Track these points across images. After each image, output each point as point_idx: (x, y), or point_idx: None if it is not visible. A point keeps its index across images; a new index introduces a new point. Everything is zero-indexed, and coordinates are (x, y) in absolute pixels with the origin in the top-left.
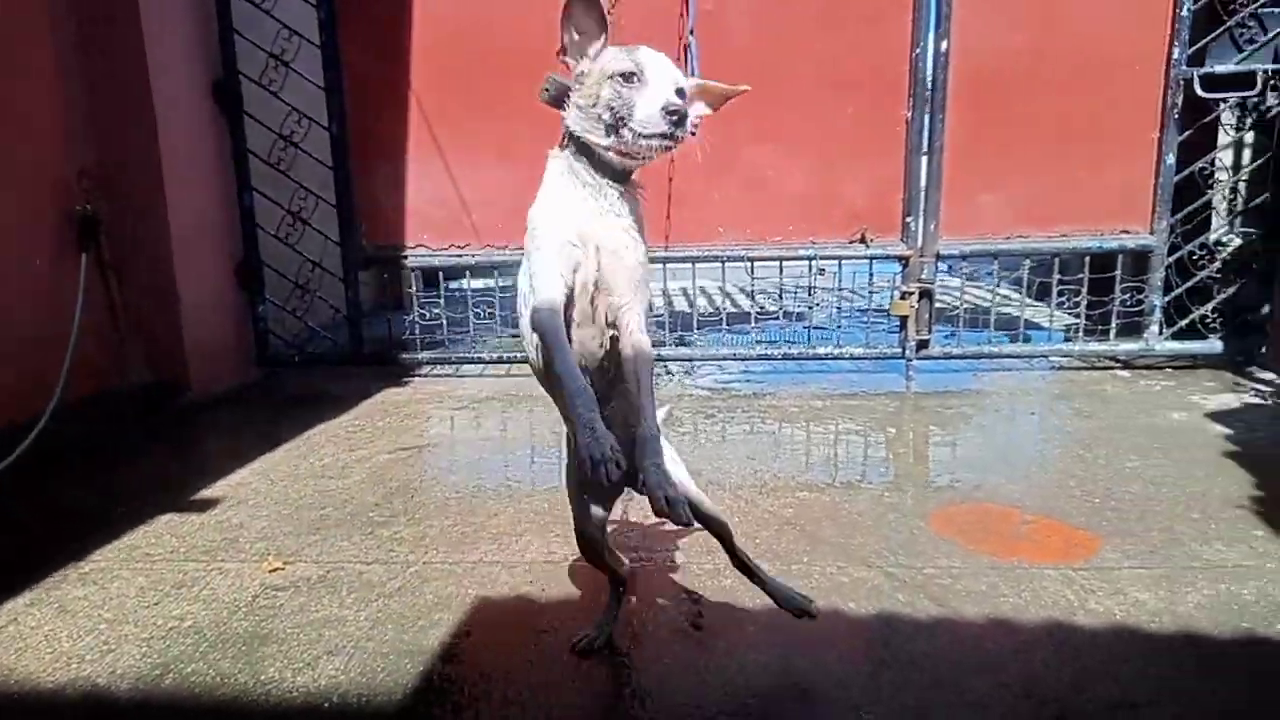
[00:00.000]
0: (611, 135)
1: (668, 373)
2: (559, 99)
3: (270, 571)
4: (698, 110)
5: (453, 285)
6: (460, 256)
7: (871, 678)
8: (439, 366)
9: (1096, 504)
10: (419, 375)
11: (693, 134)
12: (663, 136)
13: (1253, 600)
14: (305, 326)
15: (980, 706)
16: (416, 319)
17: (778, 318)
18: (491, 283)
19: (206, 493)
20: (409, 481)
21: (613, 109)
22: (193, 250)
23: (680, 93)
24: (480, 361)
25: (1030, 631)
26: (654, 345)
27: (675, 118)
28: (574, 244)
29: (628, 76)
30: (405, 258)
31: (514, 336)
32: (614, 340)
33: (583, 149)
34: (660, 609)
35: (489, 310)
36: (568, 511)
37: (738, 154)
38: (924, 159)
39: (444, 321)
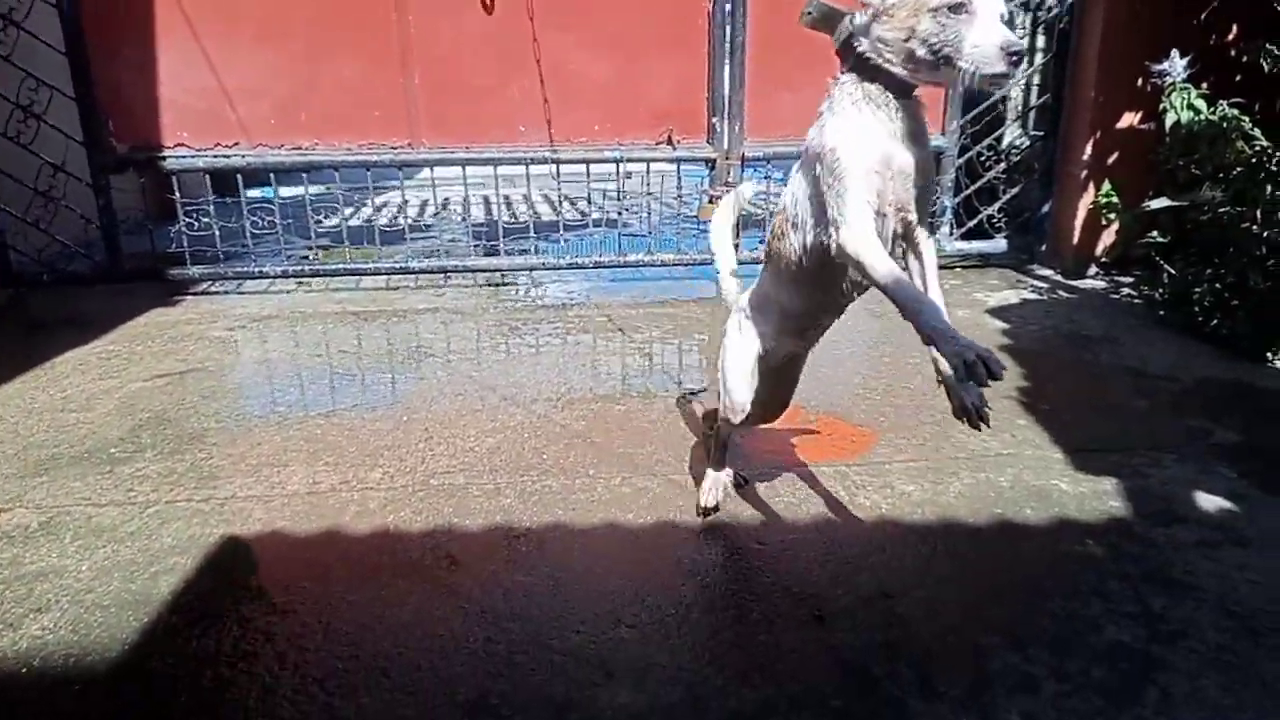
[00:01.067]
0: (931, 70)
1: (477, 285)
2: (823, 22)
3: None
4: None
5: (254, 194)
6: (229, 158)
7: (636, 587)
8: (217, 283)
9: (877, 401)
10: (193, 293)
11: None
12: (1002, 77)
13: (1008, 487)
14: (53, 240)
15: (739, 608)
16: (184, 229)
17: (587, 226)
18: (277, 190)
19: None
20: (164, 411)
21: (931, 44)
22: None
23: (1004, 18)
24: (264, 276)
25: (800, 530)
26: (453, 255)
27: (1015, 58)
28: (877, 171)
29: (955, 8)
30: (163, 159)
31: (308, 248)
32: (903, 251)
33: (872, 74)
34: (427, 536)
35: (269, 220)
36: (341, 437)
37: (538, 46)
38: (727, 55)
39: (216, 232)
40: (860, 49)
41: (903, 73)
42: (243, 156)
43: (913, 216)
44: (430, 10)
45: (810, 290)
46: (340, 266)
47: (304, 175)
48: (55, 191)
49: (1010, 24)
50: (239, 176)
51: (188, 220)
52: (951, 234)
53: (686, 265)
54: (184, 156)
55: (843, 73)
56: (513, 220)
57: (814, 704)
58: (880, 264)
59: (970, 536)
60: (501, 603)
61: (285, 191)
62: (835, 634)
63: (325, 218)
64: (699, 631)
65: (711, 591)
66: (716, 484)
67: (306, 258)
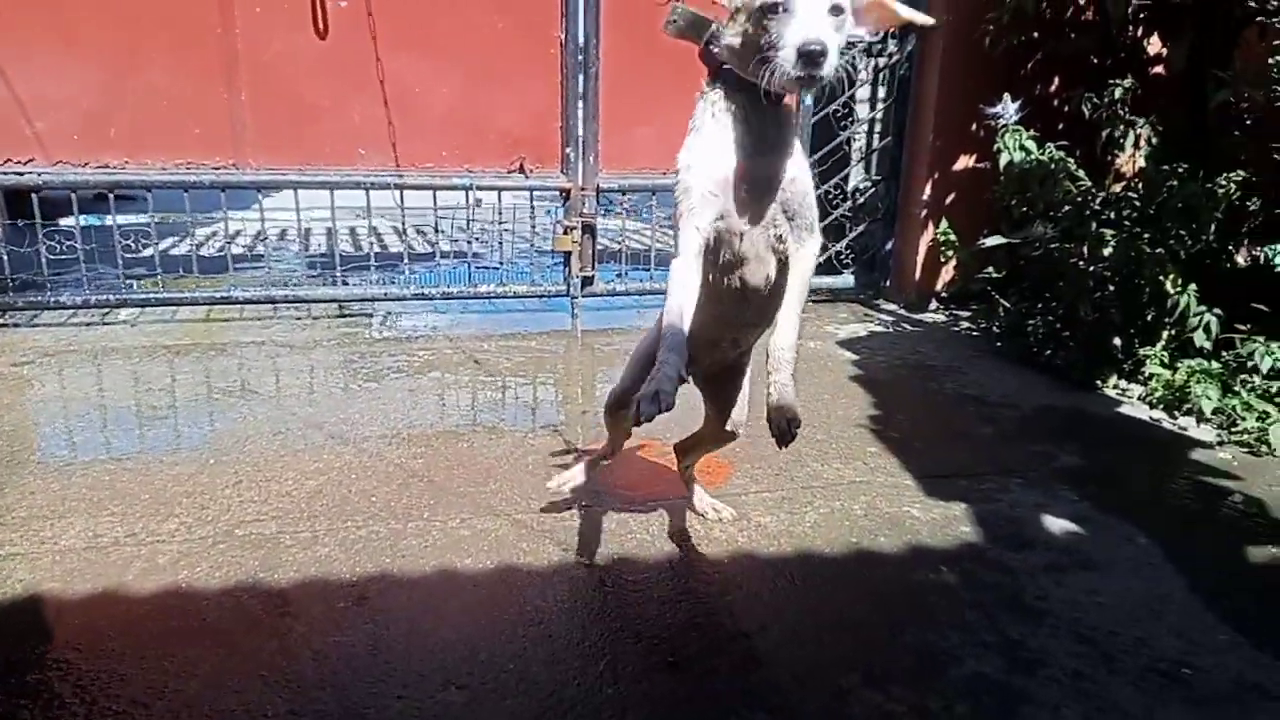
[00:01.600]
0: (765, 73)
1: (311, 317)
2: (689, 30)
3: None
4: (862, 31)
5: (69, 221)
6: (21, 175)
7: (470, 642)
8: (6, 314)
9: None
10: None
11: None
12: (798, 81)
13: (862, 515)
14: None
15: (585, 658)
16: None
17: (434, 256)
18: (94, 216)
19: None
20: None
21: (760, 47)
22: None
23: (836, 10)
24: (62, 308)
25: (651, 569)
26: (286, 285)
27: (809, 58)
28: (715, 194)
29: (771, 9)
30: None
31: (117, 277)
32: (780, 268)
33: (732, 82)
34: (226, 595)
35: (69, 245)
36: (133, 483)
37: (379, 66)
38: (580, 85)
39: (5, 258)
40: (719, 57)
41: (751, 79)
42: (38, 174)
43: (782, 229)
44: (260, 23)
45: (705, 301)
46: (151, 296)
47: (110, 196)
48: None
49: (838, 12)
50: (34, 197)
51: None
52: None
53: (540, 297)
54: None
55: (707, 83)
56: (355, 250)
57: None
58: (671, 298)
59: (826, 567)
60: (310, 668)
61: (116, 219)
62: (690, 681)
63: (138, 245)
64: (539, 689)
65: (555, 642)
66: (573, 477)
67: (131, 285)
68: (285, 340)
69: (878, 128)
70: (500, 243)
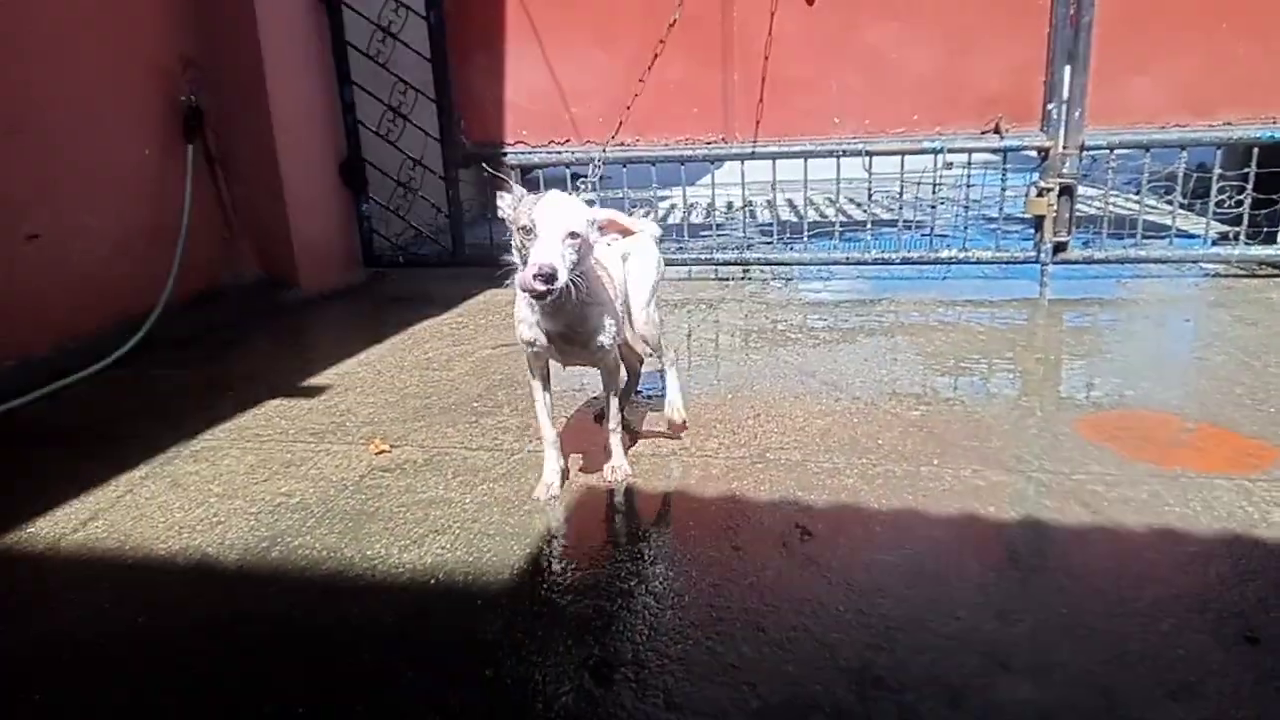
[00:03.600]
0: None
1: (775, 279)
2: None
3: (377, 454)
4: (609, 238)
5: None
6: (560, 153)
7: (1019, 584)
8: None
9: (1272, 413)
10: None
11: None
12: (535, 294)
13: None
14: (408, 226)
15: (1147, 617)
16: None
17: (896, 225)
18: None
19: (314, 380)
20: (512, 375)
21: (524, 256)
22: (297, 144)
23: (574, 235)
24: None
25: (1202, 544)
26: (749, 249)
27: (540, 278)
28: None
29: (526, 230)
30: (505, 155)
31: None
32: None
33: None
34: (774, 506)
35: None
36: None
37: (859, 36)
38: (1071, 35)
39: None
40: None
41: None
42: (572, 153)
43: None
44: (752, 8)
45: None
46: None
47: (623, 169)
48: (414, 183)
49: (576, 236)
50: (569, 171)
51: None
52: None
53: (1003, 264)
54: (521, 152)
55: None
56: (821, 218)
57: None
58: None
59: None
60: (864, 578)
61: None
62: (1275, 660)
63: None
64: (1100, 636)
65: (1106, 596)
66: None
67: None
68: (758, 297)
69: None
70: (966, 207)
